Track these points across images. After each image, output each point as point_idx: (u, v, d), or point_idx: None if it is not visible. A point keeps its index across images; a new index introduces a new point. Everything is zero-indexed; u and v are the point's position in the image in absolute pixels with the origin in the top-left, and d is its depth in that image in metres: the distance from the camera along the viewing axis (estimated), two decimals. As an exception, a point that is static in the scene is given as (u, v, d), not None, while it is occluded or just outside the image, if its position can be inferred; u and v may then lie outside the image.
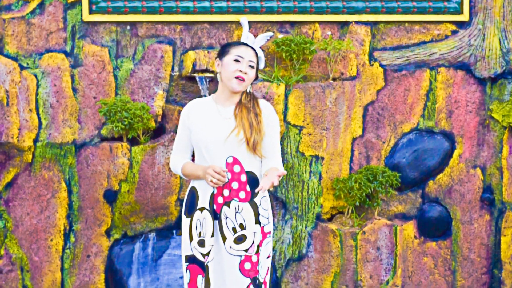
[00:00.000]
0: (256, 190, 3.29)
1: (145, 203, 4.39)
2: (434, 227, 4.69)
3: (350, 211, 4.58)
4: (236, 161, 3.38)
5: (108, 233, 4.42)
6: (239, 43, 3.52)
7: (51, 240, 4.38)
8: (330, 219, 4.62)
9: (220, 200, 3.38)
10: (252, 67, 3.45)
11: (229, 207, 3.37)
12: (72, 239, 4.40)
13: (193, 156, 3.56)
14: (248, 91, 3.52)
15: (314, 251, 4.52)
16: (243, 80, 3.41)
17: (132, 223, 4.44)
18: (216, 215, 3.38)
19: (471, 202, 4.70)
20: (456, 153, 4.69)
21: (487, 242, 4.71)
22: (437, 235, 4.71)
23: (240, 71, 3.40)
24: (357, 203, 4.48)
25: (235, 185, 3.37)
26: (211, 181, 3.30)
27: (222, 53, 3.49)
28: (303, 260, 4.53)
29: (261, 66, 4.44)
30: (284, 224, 4.52)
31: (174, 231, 4.44)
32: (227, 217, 3.37)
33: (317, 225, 4.53)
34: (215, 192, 3.38)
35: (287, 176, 4.49)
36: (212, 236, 3.38)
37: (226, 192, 3.37)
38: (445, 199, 4.70)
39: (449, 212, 4.70)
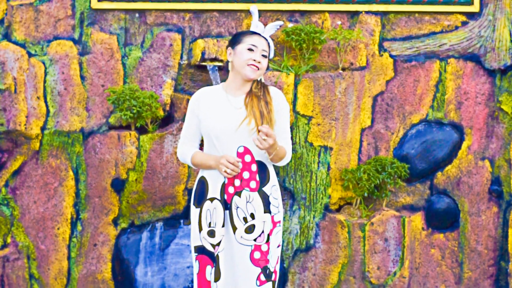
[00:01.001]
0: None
1: (152, 192, 4.37)
2: (442, 218, 4.68)
3: (358, 202, 4.57)
4: (247, 150, 3.36)
5: (115, 222, 4.40)
6: (252, 32, 3.50)
7: (58, 229, 4.36)
8: (338, 210, 4.61)
9: (231, 190, 3.36)
10: (265, 56, 3.44)
11: (240, 197, 3.35)
12: (79, 227, 4.38)
13: (201, 145, 3.54)
14: (259, 79, 3.50)
15: (321, 241, 4.51)
16: (257, 68, 3.39)
17: (140, 212, 4.42)
18: (226, 205, 3.37)
19: (479, 194, 4.69)
20: (464, 145, 4.68)
21: (495, 234, 4.70)
22: (445, 227, 4.70)
23: (254, 60, 3.38)
24: (366, 194, 4.47)
25: (246, 174, 3.35)
26: (225, 171, 3.29)
27: (234, 42, 3.46)
28: (311, 251, 4.52)
29: (271, 55, 4.43)
30: (292, 215, 4.51)
31: (182, 221, 4.42)
32: (238, 207, 3.35)
33: (325, 215, 4.51)
34: (226, 182, 3.36)
35: (295, 166, 4.47)
36: (223, 226, 3.36)
37: (237, 182, 3.35)
38: (453, 191, 4.69)
39: (457, 203, 4.69)
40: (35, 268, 4.35)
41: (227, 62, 3.49)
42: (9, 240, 4.32)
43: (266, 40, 3.51)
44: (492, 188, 4.70)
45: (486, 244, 4.69)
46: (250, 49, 3.40)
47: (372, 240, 4.50)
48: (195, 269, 3.44)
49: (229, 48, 3.48)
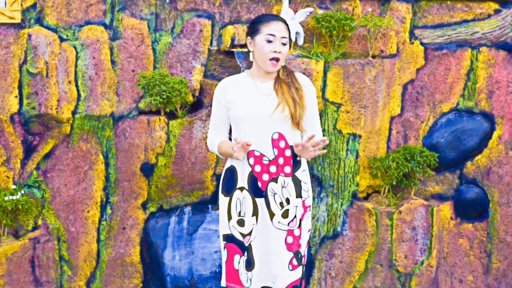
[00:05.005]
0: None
1: (181, 177, 4.39)
2: (471, 208, 4.64)
3: (386, 190, 4.55)
4: (281, 136, 3.37)
5: (144, 206, 4.44)
6: (268, 19, 3.40)
7: (88, 212, 4.41)
8: (366, 198, 4.60)
9: (265, 177, 3.37)
10: (284, 44, 3.37)
11: (276, 183, 3.37)
12: (109, 211, 4.42)
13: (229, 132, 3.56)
14: (283, 65, 3.48)
15: (349, 229, 4.50)
16: (278, 60, 3.36)
17: (168, 196, 4.45)
18: (261, 193, 3.37)
19: (509, 184, 4.64)
20: (495, 134, 4.63)
21: (524, 225, 4.66)
22: (474, 217, 4.67)
23: (275, 51, 3.34)
24: (394, 183, 4.45)
25: (281, 160, 3.37)
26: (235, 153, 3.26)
27: (253, 31, 3.40)
28: (338, 238, 4.52)
29: (300, 42, 4.41)
30: (319, 202, 4.50)
31: (210, 206, 4.45)
32: (275, 193, 3.36)
33: (353, 203, 4.50)
34: (252, 170, 3.36)
35: (323, 153, 4.46)
36: (253, 215, 3.37)
37: (273, 169, 3.36)
38: (483, 181, 4.65)
39: (486, 193, 4.65)
40: (65, 250, 4.41)
41: (249, 50, 3.46)
42: (40, 222, 4.38)
43: (284, 22, 3.42)
44: (523, 179, 4.66)
45: (516, 235, 4.66)
46: (269, 41, 3.34)
47: (400, 228, 4.48)
48: (224, 257, 3.46)
49: (249, 37, 3.43)
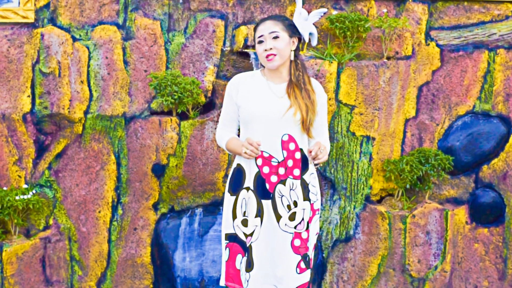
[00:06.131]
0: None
1: (192, 178, 4.37)
2: (487, 213, 4.57)
3: (400, 193, 4.49)
4: (291, 138, 3.35)
5: (155, 207, 4.42)
6: (257, 24, 3.44)
7: (99, 212, 4.40)
8: (379, 201, 4.54)
9: (273, 179, 3.34)
10: (276, 37, 3.36)
11: (284, 185, 3.34)
12: (120, 211, 4.41)
13: (238, 130, 3.53)
14: (296, 63, 3.43)
15: (361, 232, 4.45)
16: (274, 55, 3.34)
17: (179, 197, 4.43)
18: (268, 195, 3.34)
19: (526, 188, 4.57)
20: (512, 138, 4.56)
21: (542, 231, 4.58)
22: (490, 221, 4.59)
23: (265, 50, 3.34)
24: (408, 186, 4.39)
25: (290, 163, 3.34)
26: (245, 152, 3.25)
27: (254, 41, 3.46)
28: (350, 242, 4.47)
29: (314, 43, 4.37)
30: (332, 205, 4.46)
31: (221, 207, 4.41)
32: (283, 196, 3.33)
33: (366, 206, 4.45)
34: (259, 171, 3.33)
35: (336, 155, 4.41)
36: (257, 216, 3.34)
37: (281, 171, 3.34)
38: (499, 185, 4.57)
39: (502, 198, 4.58)
40: (76, 250, 4.41)
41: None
42: (51, 221, 4.38)
43: (273, 19, 3.42)
44: (540, 183, 4.58)
45: (532, 240, 4.58)
46: (259, 42, 3.38)
47: (413, 232, 4.42)
48: (224, 257, 3.44)
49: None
